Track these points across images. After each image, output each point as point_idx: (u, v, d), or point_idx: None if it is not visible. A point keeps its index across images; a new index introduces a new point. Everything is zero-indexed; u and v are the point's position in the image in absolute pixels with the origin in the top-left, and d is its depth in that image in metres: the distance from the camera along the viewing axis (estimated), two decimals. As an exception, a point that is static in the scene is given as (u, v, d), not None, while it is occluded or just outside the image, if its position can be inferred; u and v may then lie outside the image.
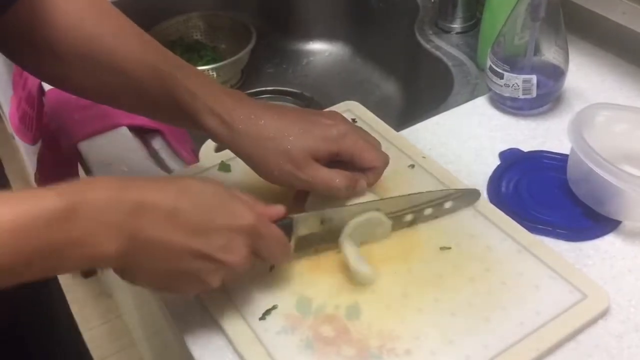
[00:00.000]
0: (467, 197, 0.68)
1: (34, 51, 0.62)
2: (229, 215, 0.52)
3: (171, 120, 0.67)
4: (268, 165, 0.61)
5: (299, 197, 0.66)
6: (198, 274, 0.52)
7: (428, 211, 0.66)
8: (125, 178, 0.49)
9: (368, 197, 0.64)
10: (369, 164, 0.63)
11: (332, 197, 0.63)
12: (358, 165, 0.63)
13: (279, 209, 0.57)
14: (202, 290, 0.55)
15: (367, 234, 0.63)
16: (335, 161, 0.62)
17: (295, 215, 0.59)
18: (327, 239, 0.63)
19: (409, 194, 0.66)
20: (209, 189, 0.53)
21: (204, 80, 0.62)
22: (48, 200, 0.44)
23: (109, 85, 0.63)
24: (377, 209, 0.63)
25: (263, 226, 0.54)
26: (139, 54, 0.62)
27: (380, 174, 0.65)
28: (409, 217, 0.65)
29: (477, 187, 0.71)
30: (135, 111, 0.67)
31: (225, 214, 0.52)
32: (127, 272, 0.51)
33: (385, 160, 0.65)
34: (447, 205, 0.67)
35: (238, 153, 0.62)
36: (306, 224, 0.60)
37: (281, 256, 0.58)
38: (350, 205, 0.63)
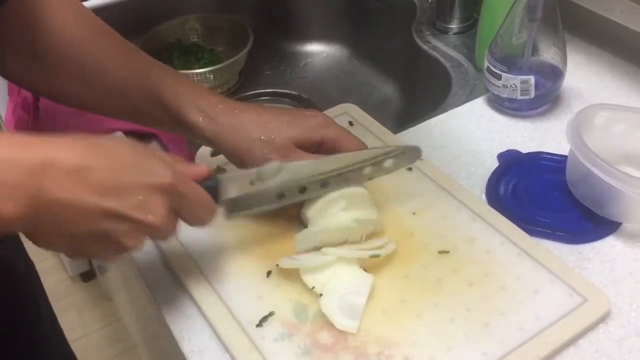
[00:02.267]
0: (408, 155, 0.66)
1: (17, 58, 0.62)
2: (144, 172, 0.49)
3: (154, 121, 0.66)
4: (254, 155, 0.61)
5: None
6: (113, 236, 0.49)
7: (367, 170, 0.64)
8: (29, 135, 0.46)
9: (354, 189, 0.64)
10: (351, 150, 0.64)
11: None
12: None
13: (201, 168, 0.55)
14: (120, 253, 0.51)
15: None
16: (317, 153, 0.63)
17: (221, 175, 0.57)
18: (262, 202, 0.60)
19: (347, 153, 0.64)
20: (122, 145, 0.50)
21: (185, 80, 0.63)
22: None
23: (92, 89, 0.63)
24: (315, 172, 0.61)
25: (183, 184, 0.52)
26: (121, 57, 0.62)
27: None
28: (349, 176, 0.63)
29: (474, 189, 0.71)
30: (119, 115, 0.67)
31: (141, 172, 0.49)
32: (36, 236, 0.48)
33: (365, 147, 0.66)
34: (387, 163, 0.65)
35: (222, 147, 0.62)
36: (234, 184, 0.58)
37: (205, 217, 0.55)
38: (284, 162, 0.60)
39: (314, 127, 0.64)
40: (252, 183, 0.59)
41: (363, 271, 0.60)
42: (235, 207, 0.60)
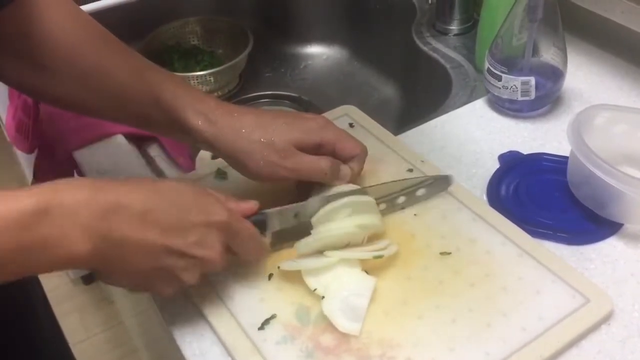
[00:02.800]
0: (439, 183, 0.69)
1: (15, 64, 0.62)
2: (202, 211, 0.53)
3: (153, 125, 0.66)
4: (254, 156, 0.62)
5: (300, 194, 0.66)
6: (173, 271, 0.53)
7: (401, 199, 0.67)
8: (99, 180, 0.50)
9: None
10: (351, 151, 0.66)
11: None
12: (340, 155, 0.65)
13: (251, 205, 0.58)
14: (178, 287, 0.55)
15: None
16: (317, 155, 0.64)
17: (267, 210, 0.60)
18: (303, 233, 0.62)
19: (382, 183, 0.67)
20: (181, 187, 0.54)
21: (183, 83, 0.64)
22: (21, 201, 0.45)
23: (90, 93, 0.63)
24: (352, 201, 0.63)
25: (236, 222, 0.55)
26: (119, 60, 0.63)
27: (363, 161, 0.67)
28: (382, 206, 0.66)
29: (475, 190, 0.71)
30: (118, 119, 0.68)
31: (198, 211, 0.53)
32: (102, 272, 0.52)
33: (365, 149, 0.67)
34: (420, 192, 0.67)
35: (222, 149, 0.63)
36: (279, 218, 0.61)
37: (255, 252, 0.59)
38: (324, 196, 0.63)
39: (314, 128, 0.65)
40: (295, 216, 0.62)
41: (365, 273, 0.60)
42: (278, 239, 0.63)
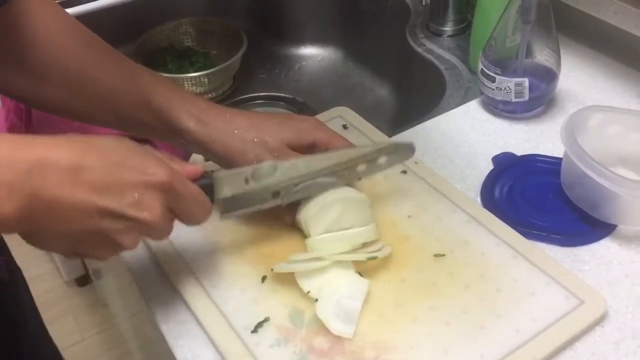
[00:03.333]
0: (401, 151, 0.67)
1: (2, 70, 0.61)
2: (140, 171, 0.49)
3: (144, 129, 0.65)
4: (247, 156, 0.62)
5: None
6: (109, 234, 0.49)
7: (361, 167, 0.64)
8: (22, 135, 0.46)
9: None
10: None
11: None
12: None
13: (196, 167, 0.55)
14: (116, 252, 0.52)
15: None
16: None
17: (216, 174, 0.57)
18: (257, 201, 0.60)
19: (341, 149, 0.64)
20: (117, 144, 0.50)
21: (174, 86, 0.64)
22: None
23: (79, 98, 0.62)
24: (309, 167, 0.61)
25: (179, 183, 0.52)
26: (109, 63, 0.62)
27: None
28: (343, 173, 0.63)
29: (469, 192, 0.71)
30: (108, 123, 0.67)
31: (136, 170, 0.49)
32: (32, 236, 0.48)
33: None
34: (381, 160, 0.65)
35: (215, 150, 0.62)
36: (229, 182, 0.58)
37: (201, 215, 0.55)
38: (278, 161, 0.61)
39: (306, 129, 0.65)
40: (247, 182, 0.59)
41: (359, 276, 0.60)
42: (230, 206, 0.59)
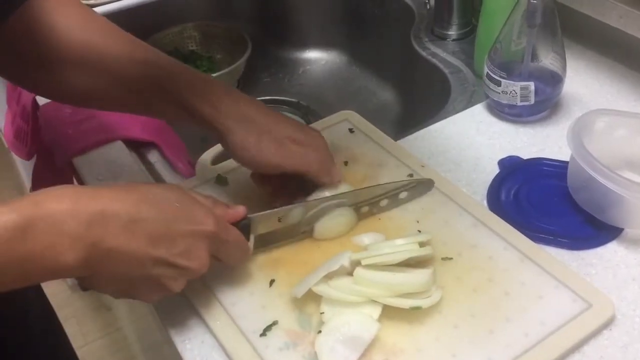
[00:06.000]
0: (421, 186, 0.70)
1: (22, 62, 0.63)
2: (189, 221, 0.53)
3: (162, 113, 0.68)
4: (249, 147, 0.63)
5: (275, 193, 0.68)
6: (159, 280, 0.53)
7: (384, 202, 0.68)
8: (82, 188, 0.50)
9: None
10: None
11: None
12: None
13: (239, 211, 0.59)
14: (164, 295, 0.55)
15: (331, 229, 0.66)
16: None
17: (253, 215, 0.60)
18: (286, 236, 0.65)
19: (366, 187, 0.68)
20: (168, 194, 0.54)
21: (191, 70, 0.66)
22: (3, 217, 0.44)
23: (100, 87, 0.64)
24: (335, 203, 0.65)
25: (223, 231, 0.56)
26: (127, 52, 0.64)
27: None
28: (364, 209, 0.67)
29: (476, 195, 0.71)
30: (125, 108, 0.69)
31: (186, 220, 0.53)
32: (89, 280, 0.52)
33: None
34: (402, 195, 0.69)
35: (221, 134, 0.64)
36: (264, 222, 0.62)
37: (241, 258, 0.60)
38: (308, 201, 0.65)
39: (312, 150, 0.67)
40: (279, 220, 0.63)
41: (371, 318, 0.57)
42: (263, 242, 0.64)
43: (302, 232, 0.65)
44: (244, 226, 0.59)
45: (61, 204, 0.47)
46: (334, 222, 0.65)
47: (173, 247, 0.52)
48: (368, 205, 0.67)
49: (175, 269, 0.53)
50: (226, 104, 0.63)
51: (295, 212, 0.63)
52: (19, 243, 0.44)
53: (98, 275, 0.51)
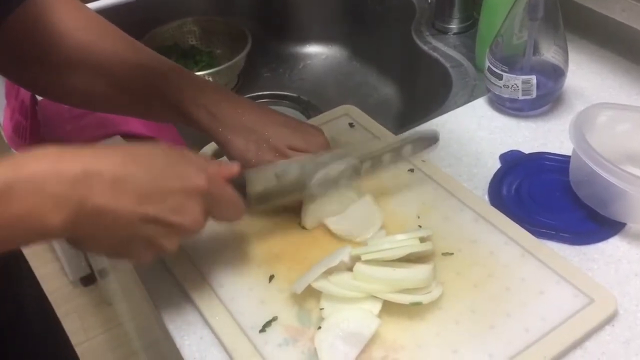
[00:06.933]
0: (425, 140, 0.68)
1: (21, 62, 0.63)
2: (180, 177, 0.52)
3: (160, 116, 0.68)
4: (247, 153, 0.63)
5: None
6: (151, 239, 0.51)
7: (387, 157, 0.66)
8: (65, 148, 0.47)
9: None
10: None
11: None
12: None
13: (232, 168, 0.57)
14: (158, 254, 0.54)
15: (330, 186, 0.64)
16: None
17: (248, 172, 0.59)
18: (284, 194, 0.62)
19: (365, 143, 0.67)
20: (157, 151, 0.52)
21: (190, 76, 0.65)
22: None
23: (99, 89, 0.64)
24: (335, 159, 0.63)
25: (216, 187, 0.54)
26: (126, 55, 0.64)
27: None
28: (367, 164, 0.65)
29: (477, 190, 0.71)
30: (124, 111, 0.69)
31: (176, 177, 0.51)
32: (78, 241, 0.50)
33: None
34: (406, 150, 0.66)
35: (219, 141, 0.64)
36: (260, 179, 0.60)
37: (235, 216, 0.58)
38: (306, 157, 0.64)
39: (315, 143, 0.66)
40: (276, 176, 0.61)
41: (371, 313, 0.56)
42: (260, 200, 0.61)
43: (301, 189, 0.62)
44: (239, 183, 0.57)
45: (43, 165, 0.45)
46: (332, 175, 0.63)
47: (163, 204, 0.50)
48: (370, 160, 0.65)
49: (167, 227, 0.51)
50: (223, 111, 0.63)
51: (292, 167, 0.61)
52: (1, 206, 0.43)
53: (87, 236, 0.49)
